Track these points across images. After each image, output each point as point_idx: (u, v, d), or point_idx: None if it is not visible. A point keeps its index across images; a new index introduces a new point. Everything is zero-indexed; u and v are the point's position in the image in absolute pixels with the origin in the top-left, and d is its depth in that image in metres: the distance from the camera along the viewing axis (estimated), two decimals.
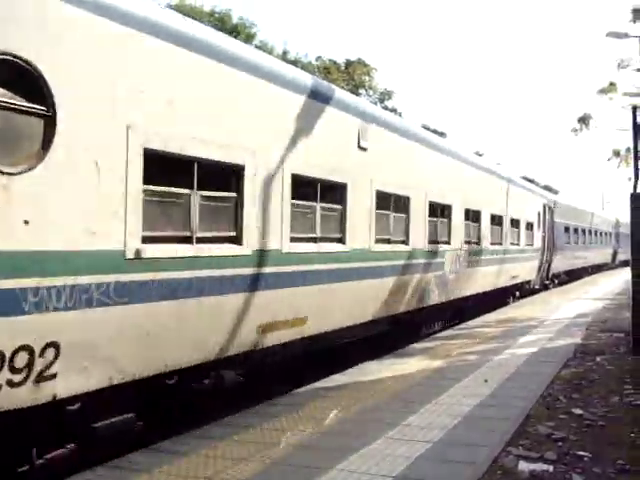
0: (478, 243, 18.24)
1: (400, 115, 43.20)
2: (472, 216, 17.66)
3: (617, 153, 32.06)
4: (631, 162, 17.18)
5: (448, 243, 15.64)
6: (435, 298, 14.98)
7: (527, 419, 7.49)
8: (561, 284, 32.22)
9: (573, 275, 36.03)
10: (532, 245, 25.36)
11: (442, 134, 45.96)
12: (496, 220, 20.07)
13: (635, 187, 13.48)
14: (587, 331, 14.97)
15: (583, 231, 39.00)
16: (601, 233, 46.45)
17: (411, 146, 13.51)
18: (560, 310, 19.73)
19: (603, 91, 26.85)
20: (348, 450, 6.32)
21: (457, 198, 16.18)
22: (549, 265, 29.05)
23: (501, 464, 5.96)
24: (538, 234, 26.27)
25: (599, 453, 6.28)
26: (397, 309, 12.88)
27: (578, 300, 23.31)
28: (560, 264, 31.52)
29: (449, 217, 15.78)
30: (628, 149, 27.97)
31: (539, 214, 26.58)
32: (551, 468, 5.85)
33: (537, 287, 27.51)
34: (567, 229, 33.81)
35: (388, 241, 12.35)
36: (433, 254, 14.60)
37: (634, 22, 24.61)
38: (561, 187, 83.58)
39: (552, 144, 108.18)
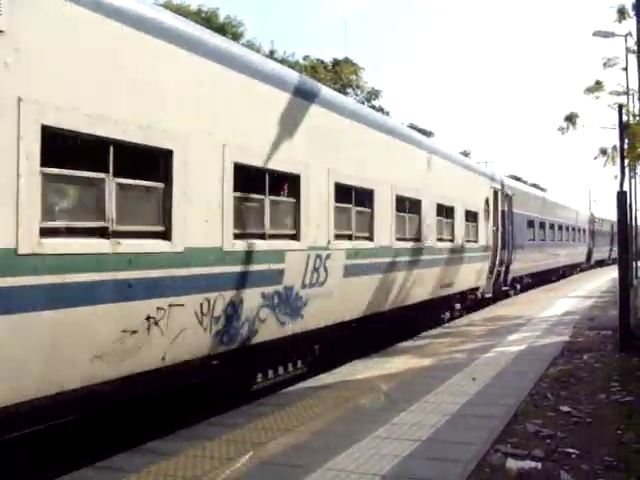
0: (369, 238, 12.29)
1: (387, 114, 43.29)
2: (356, 198, 11.73)
3: (604, 151, 32.21)
4: (617, 160, 17.30)
5: (294, 238, 9.69)
6: (269, 330, 9.08)
7: (515, 417, 7.50)
8: (525, 289, 27.60)
9: (540, 278, 30.86)
10: (477, 242, 19.48)
11: (430, 133, 46.13)
12: (407, 205, 14.15)
13: (621, 185, 13.59)
14: (574, 329, 15.03)
15: (552, 226, 33.64)
16: (574, 229, 40.57)
17: (202, 65, 7.82)
18: (548, 308, 19.80)
19: (589, 90, 26.92)
20: (336, 449, 6.31)
21: (316, 165, 10.18)
22: (507, 267, 23.40)
23: (489, 462, 5.96)
24: (487, 228, 20.63)
25: (587, 450, 6.31)
26: (178, 355, 7.42)
27: (565, 298, 23.43)
28: (522, 266, 26.11)
29: (296, 196, 9.77)
30: (614, 147, 28.09)
31: (487, 202, 20.73)
32: (539, 465, 5.87)
33: (489, 296, 21.49)
34: (531, 223, 28.63)
35: (103, 233, 6.52)
36: (253, 257, 8.64)
37: (619, 22, 24.72)
38: (549, 186, 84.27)
39: (540, 143, 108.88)
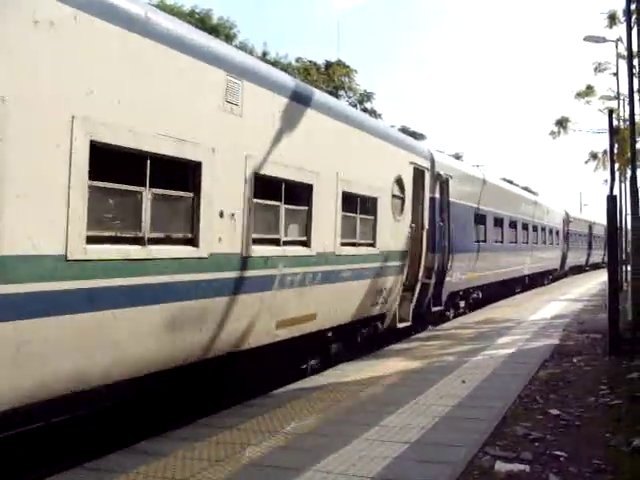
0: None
1: (380, 117, 43.35)
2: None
3: (594, 156, 32.40)
4: (608, 165, 17.38)
5: None
6: None
7: (504, 419, 7.52)
8: (476, 307, 21.25)
9: (496, 291, 23.89)
10: (374, 245, 12.59)
11: (421, 135, 46.20)
12: (160, 171, 6.94)
13: (611, 189, 13.63)
14: (564, 332, 15.08)
15: (514, 224, 26.17)
16: (543, 228, 32.96)
17: None
18: (538, 311, 19.86)
19: (580, 94, 27.10)
20: (325, 451, 6.30)
21: None
22: (441, 279, 16.72)
23: (478, 464, 5.97)
24: (400, 223, 13.73)
25: (575, 453, 6.32)
26: None
27: (555, 302, 23.49)
28: (467, 276, 19.43)
29: None
30: (605, 152, 28.25)
31: (400, 182, 13.74)
32: (528, 468, 5.88)
33: (403, 325, 14.44)
34: (482, 219, 21.44)
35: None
36: None
37: (610, 28, 24.91)
38: (541, 189, 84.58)
39: (533, 147, 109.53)
